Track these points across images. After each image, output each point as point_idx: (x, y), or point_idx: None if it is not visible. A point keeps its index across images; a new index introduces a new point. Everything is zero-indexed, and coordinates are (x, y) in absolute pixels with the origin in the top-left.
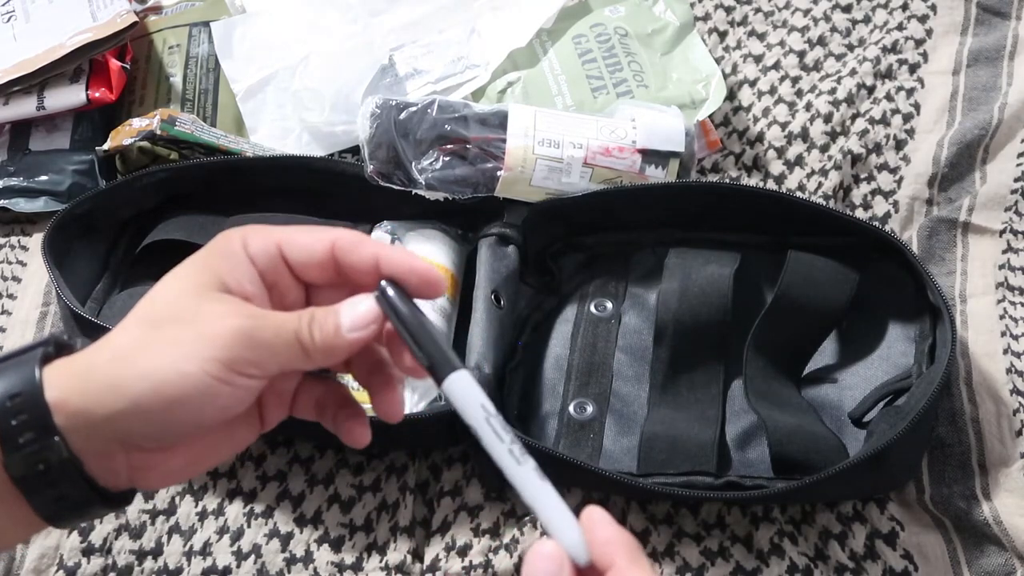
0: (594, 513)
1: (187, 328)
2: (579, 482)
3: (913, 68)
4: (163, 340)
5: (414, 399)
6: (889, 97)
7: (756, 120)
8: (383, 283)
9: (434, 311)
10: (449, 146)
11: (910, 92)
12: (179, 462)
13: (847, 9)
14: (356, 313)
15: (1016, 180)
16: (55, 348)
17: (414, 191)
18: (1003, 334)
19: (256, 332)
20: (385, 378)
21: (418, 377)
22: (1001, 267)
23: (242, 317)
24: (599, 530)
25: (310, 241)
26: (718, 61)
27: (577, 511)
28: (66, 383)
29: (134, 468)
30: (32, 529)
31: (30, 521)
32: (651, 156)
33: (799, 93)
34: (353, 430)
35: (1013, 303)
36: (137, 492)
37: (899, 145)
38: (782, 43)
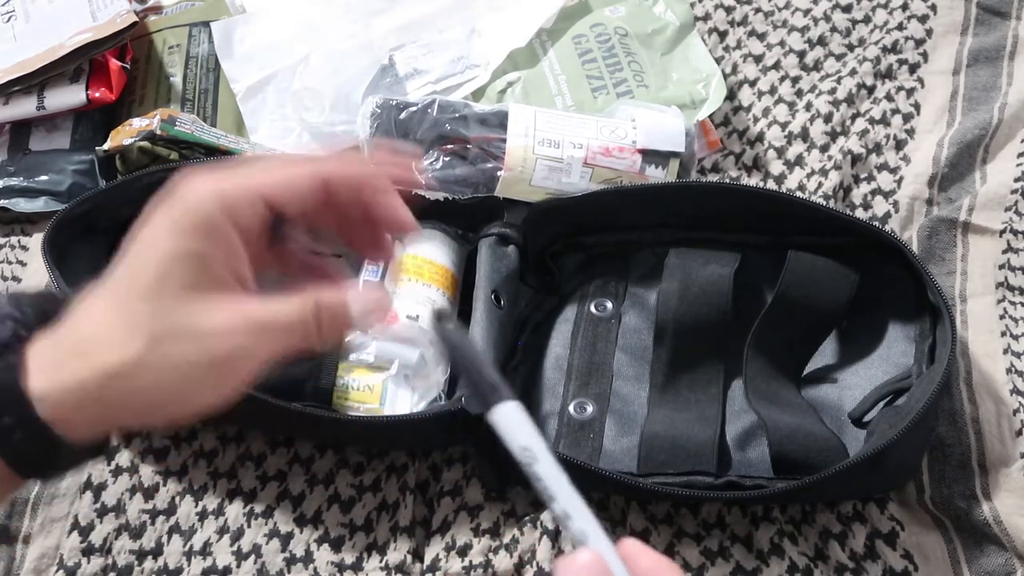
0: (632, 544)
1: (192, 350)
2: (579, 482)
3: (913, 68)
4: (168, 365)
5: (414, 399)
6: (889, 97)
7: (756, 120)
8: (437, 310)
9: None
10: (449, 146)
11: (910, 92)
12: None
13: (847, 9)
14: (368, 302)
15: (1016, 180)
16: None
17: (414, 191)
18: (1003, 334)
19: (262, 345)
20: (372, 234)
21: (371, 258)
22: (1001, 267)
23: (247, 336)
24: (642, 559)
25: (299, 190)
26: (718, 61)
27: None
28: (60, 398)
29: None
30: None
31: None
32: (651, 156)
33: (799, 93)
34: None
35: (1013, 303)
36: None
37: (899, 145)
38: (782, 43)
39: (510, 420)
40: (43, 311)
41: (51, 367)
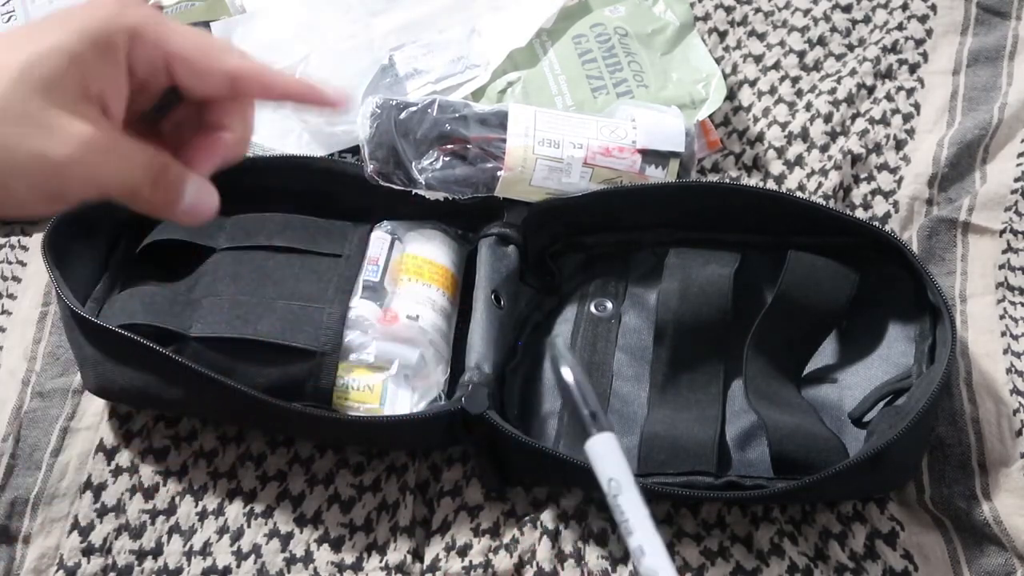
0: None
1: (35, 136)
2: (579, 482)
3: (913, 68)
4: (4, 145)
5: (414, 399)
6: (889, 97)
7: (756, 120)
8: (551, 338)
9: (434, 311)
10: (449, 146)
11: (910, 92)
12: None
13: (847, 9)
14: (200, 198)
15: (1016, 180)
16: None
17: (414, 191)
18: (1003, 334)
19: (102, 165)
20: (210, 138)
21: (324, 107)
22: (1001, 267)
23: (93, 146)
24: None
25: (206, 68)
26: (718, 61)
27: (577, 511)
28: None
29: None
30: None
31: None
32: (651, 156)
33: (799, 93)
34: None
35: (1013, 303)
36: None
37: (899, 145)
38: (782, 43)
39: (601, 450)
40: None
41: None
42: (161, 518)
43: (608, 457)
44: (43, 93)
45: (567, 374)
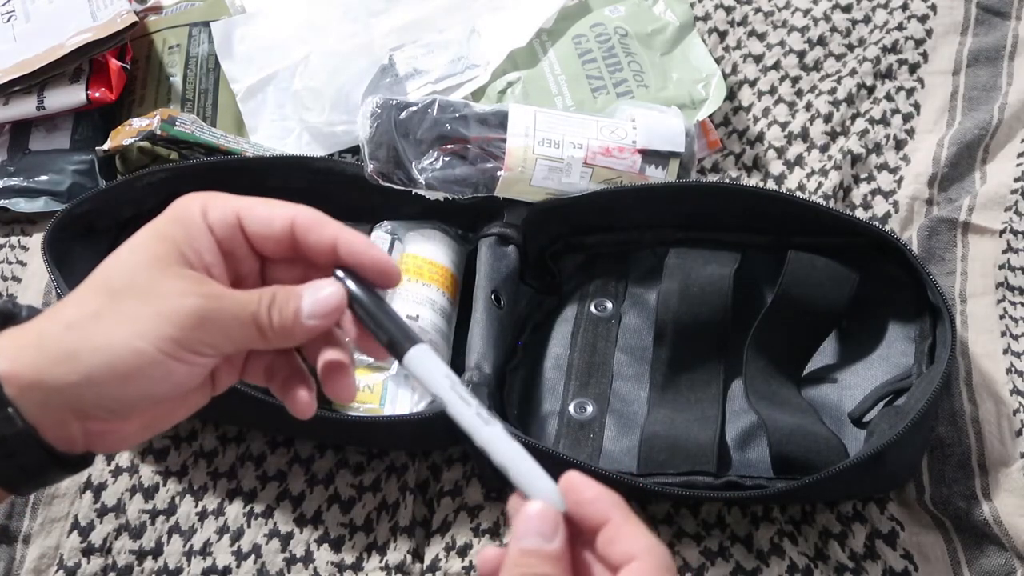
0: (574, 476)
1: (144, 303)
2: None
3: (913, 68)
4: (119, 314)
5: (414, 399)
6: (889, 97)
7: (756, 120)
8: (339, 272)
9: (434, 311)
10: (449, 146)
11: (910, 92)
12: (133, 428)
13: (847, 9)
14: (317, 300)
15: (1016, 180)
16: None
17: (414, 191)
18: (1003, 334)
19: (213, 314)
20: (336, 361)
21: (380, 359)
22: (1001, 267)
23: (200, 297)
24: (585, 490)
25: (269, 216)
26: (718, 61)
27: None
28: (16, 354)
29: (89, 434)
30: None
31: None
32: (651, 156)
33: (799, 93)
34: (299, 400)
35: (1013, 303)
36: (95, 455)
37: (899, 145)
38: (782, 43)
39: (421, 363)
40: None
41: (18, 329)
42: (161, 518)
43: (436, 362)
44: (147, 268)
45: (371, 297)
